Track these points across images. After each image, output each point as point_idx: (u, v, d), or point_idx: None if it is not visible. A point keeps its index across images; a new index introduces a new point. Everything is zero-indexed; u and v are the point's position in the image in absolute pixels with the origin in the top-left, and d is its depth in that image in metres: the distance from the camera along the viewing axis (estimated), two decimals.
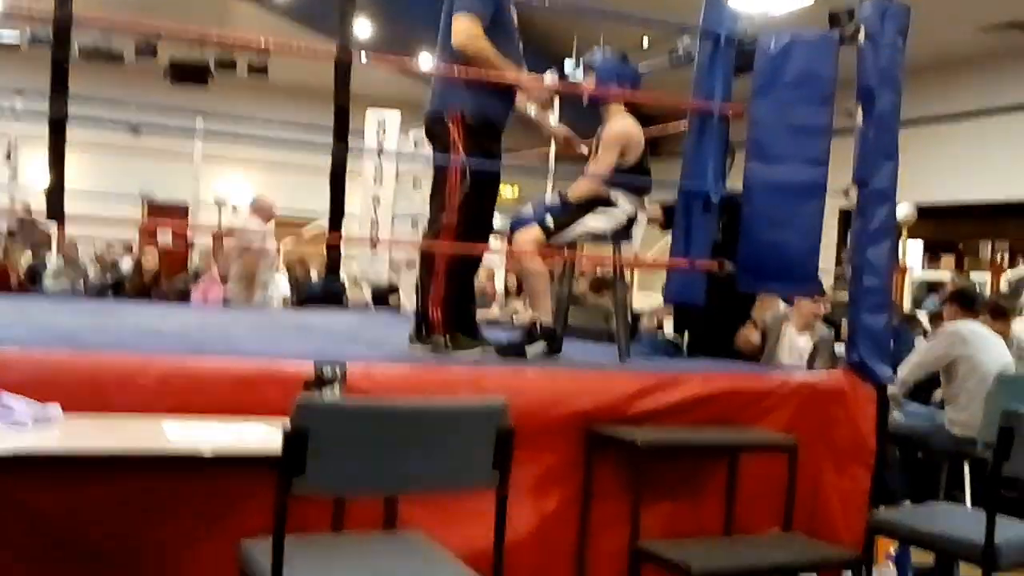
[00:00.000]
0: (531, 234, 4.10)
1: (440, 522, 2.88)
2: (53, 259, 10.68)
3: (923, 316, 8.34)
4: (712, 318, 4.80)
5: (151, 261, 8.51)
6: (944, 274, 12.35)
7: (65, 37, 3.08)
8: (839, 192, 4.20)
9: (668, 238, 4.68)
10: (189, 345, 3.67)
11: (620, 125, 4.23)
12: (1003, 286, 10.31)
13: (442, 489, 2.39)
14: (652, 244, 10.21)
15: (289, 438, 2.07)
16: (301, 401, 2.10)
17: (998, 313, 5.81)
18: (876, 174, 3.97)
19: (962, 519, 3.40)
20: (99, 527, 2.72)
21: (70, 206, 3.24)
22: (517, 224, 4.17)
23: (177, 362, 2.98)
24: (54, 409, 2.53)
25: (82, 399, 2.70)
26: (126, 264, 10.84)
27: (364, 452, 2.12)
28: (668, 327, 7.90)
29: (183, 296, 9.04)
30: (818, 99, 4.08)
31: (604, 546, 3.45)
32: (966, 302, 5.63)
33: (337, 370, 2.78)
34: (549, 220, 4.11)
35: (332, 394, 2.71)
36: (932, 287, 11.36)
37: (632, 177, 4.17)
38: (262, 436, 2.50)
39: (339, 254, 4.15)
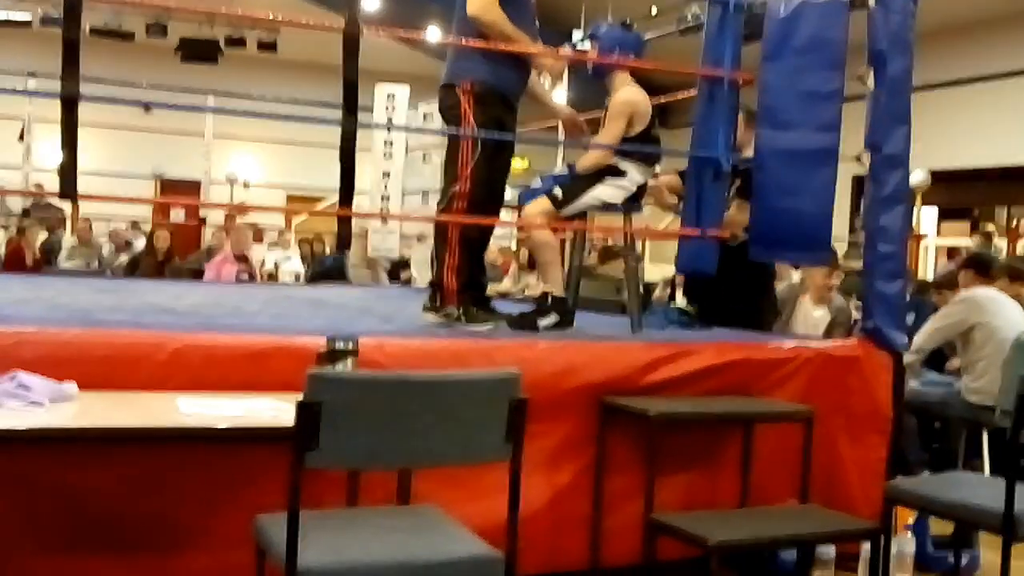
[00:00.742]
0: (540, 206, 4.10)
1: (455, 496, 2.89)
2: (67, 238, 10.73)
3: None
4: (728, 289, 4.79)
5: (164, 239, 8.53)
6: (962, 240, 12.28)
7: (75, 16, 3.07)
8: (852, 158, 4.16)
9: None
10: (202, 322, 3.68)
11: (627, 94, 4.21)
12: (1020, 250, 10.22)
13: (455, 462, 2.39)
14: (665, 214, 10.18)
15: (302, 411, 2.06)
16: (313, 373, 2.10)
17: (1015, 276, 5.75)
18: (889, 139, 3.94)
19: (981, 488, 3.38)
20: (117, 503, 2.75)
21: (83, 185, 3.24)
22: (526, 197, 4.18)
23: (190, 339, 2.99)
24: (70, 387, 2.56)
25: (98, 376, 2.73)
26: (140, 243, 10.87)
27: (377, 424, 2.12)
28: (680, 299, 7.91)
29: (197, 274, 9.06)
30: (828, 64, 4.02)
31: (619, 518, 3.45)
32: (982, 268, 5.58)
33: (350, 344, 2.78)
34: (558, 191, 4.11)
35: (345, 367, 2.70)
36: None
37: (641, 146, 4.15)
38: (276, 411, 2.51)
39: (350, 230, 4.14)
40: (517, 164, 17.22)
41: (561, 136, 4.56)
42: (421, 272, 7.31)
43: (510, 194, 4.30)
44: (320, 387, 2.07)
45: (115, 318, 3.60)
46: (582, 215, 4.28)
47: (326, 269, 9.23)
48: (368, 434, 2.11)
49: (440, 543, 2.32)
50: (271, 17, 3.71)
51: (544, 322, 4.04)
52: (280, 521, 2.13)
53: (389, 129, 7.43)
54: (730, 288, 4.64)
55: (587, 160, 4.18)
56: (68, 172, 3.10)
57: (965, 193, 13.86)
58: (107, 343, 2.89)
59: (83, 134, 3.23)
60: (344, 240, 4.32)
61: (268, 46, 15.29)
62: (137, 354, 2.87)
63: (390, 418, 2.12)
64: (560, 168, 4.35)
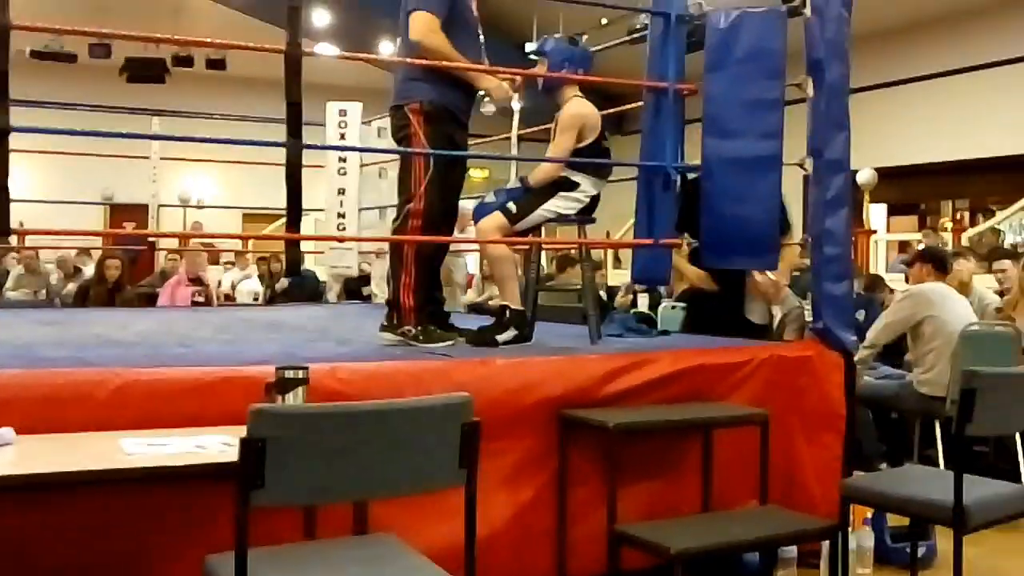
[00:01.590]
0: (495, 221, 4.12)
1: (414, 521, 2.88)
2: (14, 267, 10.51)
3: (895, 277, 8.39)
4: (715, 294, 4.84)
5: (114, 267, 8.38)
6: (909, 235, 12.44)
7: (3, 45, 2.99)
8: (797, 164, 4.21)
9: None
10: (149, 353, 3.62)
11: (575, 107, 4.24)
12: (964, 242, 10.37)
13: (408, 492, 2.36)
14: (625, 221, 10.23)
15: (245, 448, 2.03)
16: (255, 408, 2.06)
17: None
18: (829, 145, 4.00)
19: (932, 482, 3.43)
20: (62, 548, 2.66)
21: (30, 211, 3.16)
22: (480, 212, 4.18)
23: (133, 374, 2.90)
24: (7, 432, 2.47)
25: (37, 419, 2.65)
26: (90, 270, 10.68)
27: (324, 459, 2.08)
28: (642, 303, 7.96)
29: (151, 298, 8.93)
30: (769, 73, 4.08)
31: (583, 531, 3.46)
32: (940, 264, 5.67)
33: (299, 373, 2.74)
34: (512, 206, 4.13)
35: (295, 399, 2.67)
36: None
37: (592, 157, 4.18)
38: (225, 445, 2.47)
39: (300, 253, 4.11)
40: (477, 174, 17.25)
41: (514, 150, 4.57)
42: (381, 288, 7.27)
43: (472, 205, 4.31)
44: (263, 423, 2.03)
45: (57, 354, 3.52)
46: (537, 228, 4.29)
47: (297, 287, 9.16)
48: (316, 469, 2.07)
49: (397, 574, 2.30)
50: (213, 40, 3.65)
51: (503, 337, 4.05)
52: (230, 561, 2.09)
53: (341, 148, 7.38)
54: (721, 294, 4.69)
55: (539, 173, 4.21)
56: (1, 209, 2.98)
57: (912, 189, 14.08)
58: (46, 383, 2.78)
59: (28, 160, 3.17)
60: (293, 265, 4.27)
61: (216, 64, 15.17)
62: (78, 393, 2.78)
63: (338, 451, 2.08)
64: (513, 182, 4.36)
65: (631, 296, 8.46)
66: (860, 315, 6.22)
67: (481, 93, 4.13)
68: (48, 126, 3.34)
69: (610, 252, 12.46)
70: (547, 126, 4.46)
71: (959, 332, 5.17)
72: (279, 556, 2.34)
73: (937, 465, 5.17)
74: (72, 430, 2.67)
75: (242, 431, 2.09)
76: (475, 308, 7.52)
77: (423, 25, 3.93)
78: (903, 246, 11.28)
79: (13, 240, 9.90)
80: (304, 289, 9.19)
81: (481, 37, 4.23)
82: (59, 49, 14.19)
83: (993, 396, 3.12)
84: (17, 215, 3.09)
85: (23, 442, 2.48)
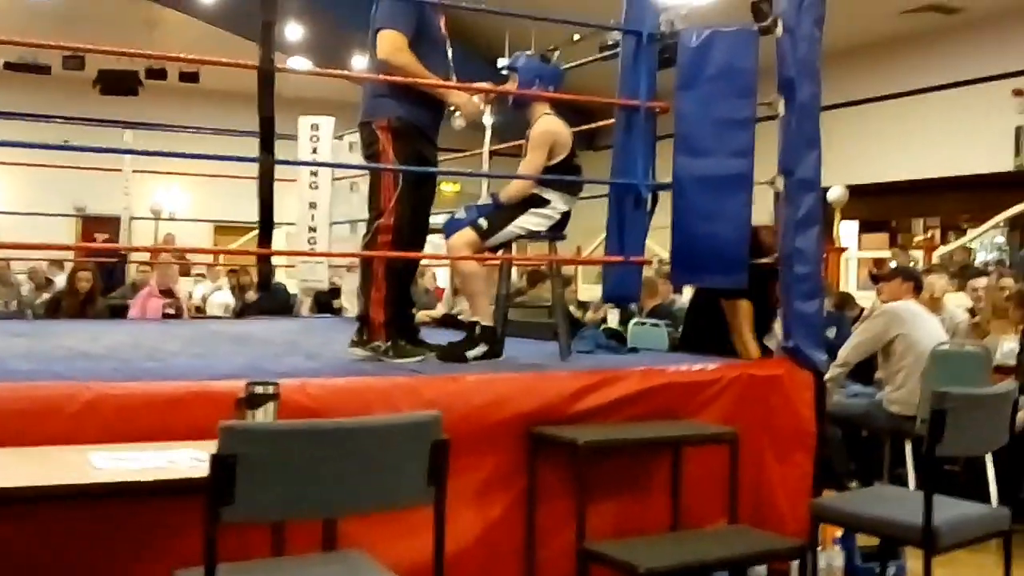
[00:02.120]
0: (465, 237, 4.12)
1: (383, 537, 2.87)
2: None
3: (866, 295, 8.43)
4: (708, 315, 4.83)
5: (85, 279, 8.31)
6: (879, 252, 12.55)
7: None
8: (767, 183, 4.24)
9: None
10: (118, 367, 3.60)
11: (546, 124, 4.26)
12: (935, 259, 10.48)
13: (377, 509, 2.36)
14: (596, 236, 10.26)
15: (215, 464, 2.02)
16: (225, 425, 2.06)
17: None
18: (800, 163, 4.02)
19: (902, 502, 3.44)
20: (28, 563, 2.65)
21: (1, 223, 3.13)
22: (451, 227, 4.18)
23: (103, 388, 2.90)
24: None
25: (6, 432, 2.63)
26: (61, 280, 10.59)
27: (294, 475, 2.08)
28: (612, 319, 7.96)
29: (122, 310, 8.86)
30: (740, 92, 4.10)
31: (552, 548, 3.45)
32: (918, 283, 5.73)
33: (270, 388, 2.72)
34: (483, 222, 4.13)
35: (265, 414, 2.65)
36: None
37: (563, 174, 4.20)
38: (194, 461, 2.45)
39: (271, 267, 4.10)
40: (449, 189, 17.21)
41: (485, 166, 4.58)
42: (351, 302, 7.25)
43: (443, 218, 4.32)
44: (233, 439, 2.03)
45: (26, 367, 3.49)
46: (507, 244, 4.29)
47: (267, 301, 9.11)
48: (285, 485, 2.07)
49: None
50: (186, 54, 3.65)
51: (473, 353, 4.05)
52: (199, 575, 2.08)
53: (312, 164, 7.37)
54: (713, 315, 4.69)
55: (511, 190, 4.22)
56: None
57: (883, 206, 14.20)
58: (14, 396, 2.78)
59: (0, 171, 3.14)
60: (265, 278, 4.26)
61: (190, 76, 15.11)
62: (47, 407, 2.77)
63: (308, 468, 2.08)
64: (484, 198, 4.36)
65: (603, 312, 8.48)
66: (831, 333, 6.27)
67: (451, 108, 4.15)
68: (21, 138, 3.32)
69: (580, 267, 12.49)
70: (519, 142, 4.48)
71: (930, 351, 5.21)
72: (247, 572, 2.34)
73: (907, 484, 5.20)
74: (41, 443, 2.65)
75: (212, 446, 2.08)
76: (445, 321, 7.49)
77: (389, 44, 3.96)
78: (879, 263, 11.37)
79: None
80: (274, 302, 9.14)
81: (450, 53, 4.26)
82: (33, 61, 14.10)
83: (964, 417, 3.15)
84: None
85: None
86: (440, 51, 4.19)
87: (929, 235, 12.82)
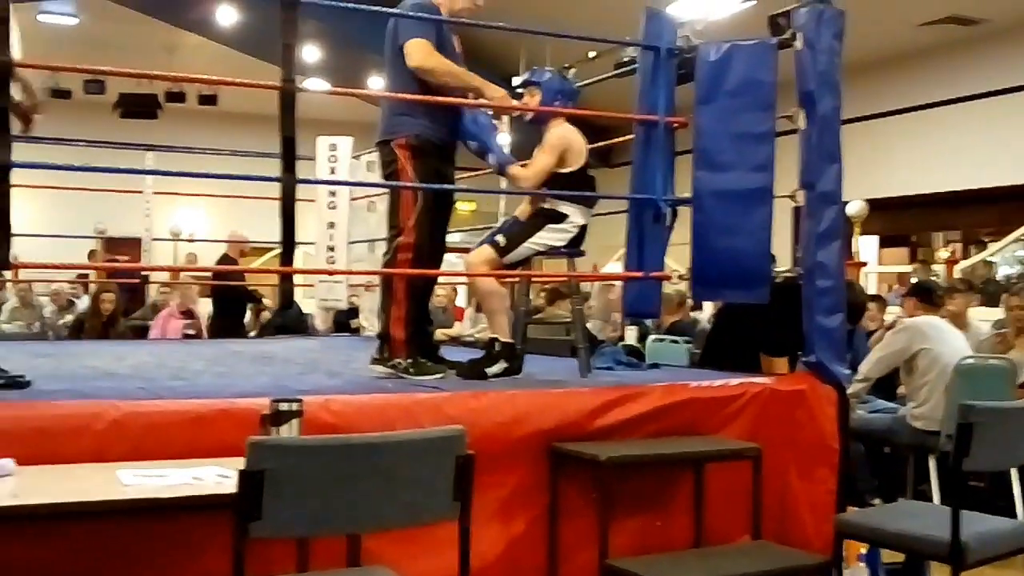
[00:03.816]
0: (484, 254, 4.13)
1: (407, 554, 2.88)
2: (8, 300, 10.51)
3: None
4: (731, 332, 4.81)
5: (109, 301, 8.40)
6: (899, 268, 12.47)
7: (4, 85, 3.04)
8: (788, 196, 4.23)
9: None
10: (143, 386, 3.62)
11: (562, 130, 4.27)
12: (956, 274, 10.41)
13: (402, 524, 2.37)
14: (613, 253, 10.26)
15: (244, 480, 2.04)
16: (253, 441, 2.08)
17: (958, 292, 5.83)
18: (822, 177, 4.00)
19: (928, 517, 3.41)
20: None
21: (24, 245, 3.17)
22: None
23: (130, 407, 2.92)
24: (7, 463, 2.50)
25: (35, 450, 2.66)
26: (83, 302, 10.67)
27: (321, 491, 2.09)
28: (630, 336, 7.95)
29: (143, 331, 8.93)
30: (760, 105, 4.10)
31: (574, 565, 3.44)
32: (926, 296, 5.68)
33: (294, 405, 2.74)
34: (501, 238, 4.14)
35: (289, 431, 2.67)
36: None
37: (578, 185, 4.20)
38: (220, 478, 2.47)
39: (292, 286, 4.14)
40: (464, 208, 17.22)
41: (502, 184, 4.59)
42: (371, 321, 7.27)
43: (459, 237, 4.34)
44: (261, 455, 2.05)
45: (53, 386, 3.52)
46: (526, 261, 4.30)
47: (286, 320, 9.15)
48: (312, 501, 2.08)
49: None
50: (206, 76, 3.70)
51: (492, 370, 4.05)
52: None
53: (333, 183, 7.41)
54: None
55: (524, 203, 4.20)
56: (1, 242, 3.03)
57: (903, 221, 14.13)
58: (43, 415, 2.82)
59: (22, 194, 3.18)
60: (286, 297, 4.28)
61: (208, 99, 15.25)
62: (75, 425, 2.80)
63: (334, 483, 2.09)
64: (504, 219, 4.36)
65: (619, 331, 8.47)
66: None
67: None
68: (44, 162, 3.37)
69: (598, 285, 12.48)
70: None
71: (953, 366, 5.17)
72: None
73: (931, 500, 5.15)
74: (69, 461, 2.68)
75: (237, 463, 2.10)
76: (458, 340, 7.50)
77: (419, 50, 3.97)
78: (902, 279, 11.29)
79: (8, 273, 9.89)
80: (289, 321, 9.17)
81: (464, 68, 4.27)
82: (54, 86, 14.28)
83: (990, 430, 3.11)
84: (12, 248, 3.11)
85: (21, 473, 2.50)
86: (456, 61, 4.19)
87: (951, 250, 12.73)
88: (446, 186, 4.19)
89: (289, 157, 3.46)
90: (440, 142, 4.12)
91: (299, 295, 9.62)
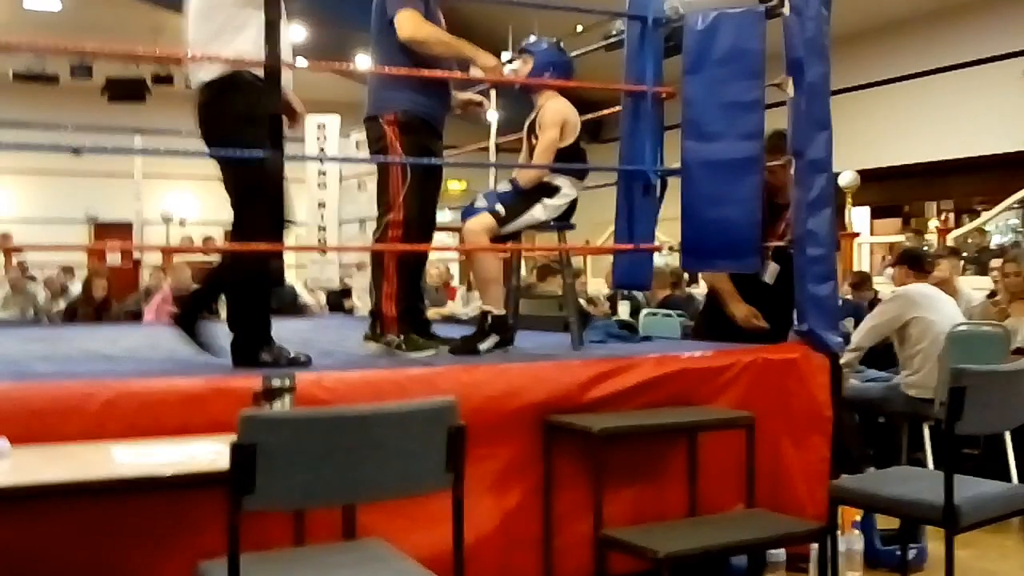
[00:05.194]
0: (483, 222, 4.12)
1: (403, 527, 2.88)
2: (1, 288, 10.50)
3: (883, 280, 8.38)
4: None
5: (101, 287, 8.39)
6: (892, 238, 12.47)
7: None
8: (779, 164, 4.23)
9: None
10: (137, 367, 3.63)
11: (558, 105, 4.27)
12: (950, 243, 10.43)
13: (395, 495, 2.36)
14: (604, 229, 10.25)
15: (236, 454, 2.04)
16: (245, 415, 2.08)
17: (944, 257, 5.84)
18: (811, 144, 3.99)
19: (922, 482, 3.42)
20: (55, 557, 2.68)
21: (14, 231, 3.17)
22: (468, 213, 4.19)
23: (123, 386, 2.93)
24: (2, 442, 2.50)
25: (30, 430, 2.66)
26: (76, 287, 10.67)
27: (313, 463, 2.10)
28: (623, 311, 7.97)
29: (136, 315, 8.92)
30: (748, 74, 4.08)
31: (569, 536, 3.46)
32: (915, 264, 5.69)
33: (286, 381, 2.75)
34: (500, 208, 4.13)
35: (282, 407, 2.68)
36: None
37: (572, 158, 4.21)
38: (213, 454, 2.48)
39: (282, 265, 4.12)
40: (455, 186, 17.15)
41: (492, 157, 4.58)
42: (364, 300, 7.27)
43: (451, 216, 4.32)
44: (253, 429, 2.05)
45: (47, 368, 3.53)
46: (517, 235, 4.30)
47: (279, 301, 9.13)
48: (305, 473, 2.09)
49: None
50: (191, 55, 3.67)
51: (485, 345, 4.06)
52: (222, 566, 2.10)
53: (321, 160, 7.39)
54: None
55: (529, 172, 4.22)
56: None
57: (895, 191, 14.13)
58: (38, 395, 2.82)
59: (13, 179, 3.17)
60: (277, 275, 4.25)
61: None
62: (69, 405, 2.80)
63: (327, 455, 2.10)
64: (503, 185, 4.34)
65: (610, 304, 8.48)
66: (849, 323, 6.24)
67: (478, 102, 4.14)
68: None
69: (590, 260, 12.49)
70: (519, 135, 4.49)
71: (947, 333, 5.18)
72: (270, 561, 2.36)
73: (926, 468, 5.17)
74: (64, 441, 2.68)
75: (232, 439, 2.10)
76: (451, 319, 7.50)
77: (410, 21, 3.95)
78: (894, 249, 11.30)
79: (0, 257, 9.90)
80: (282, 302, 9.16)
81: None
82: (41, 71, 14.19)
83: (982, 394, 3.12)
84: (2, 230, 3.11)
85: (16, 453, 2.50)
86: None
87: (944, 219, 12.73)
88: (434, 160, 4.17)
89: (275, 134, 3.45)
90: (428, 117, 4.11)
91: (291, 276, 9.62)
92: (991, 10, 12.19)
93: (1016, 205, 10.88)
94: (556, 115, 4.22)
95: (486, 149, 7.61)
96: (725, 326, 4.72)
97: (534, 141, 4.28)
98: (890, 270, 7.27)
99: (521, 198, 4.19)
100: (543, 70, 4.29)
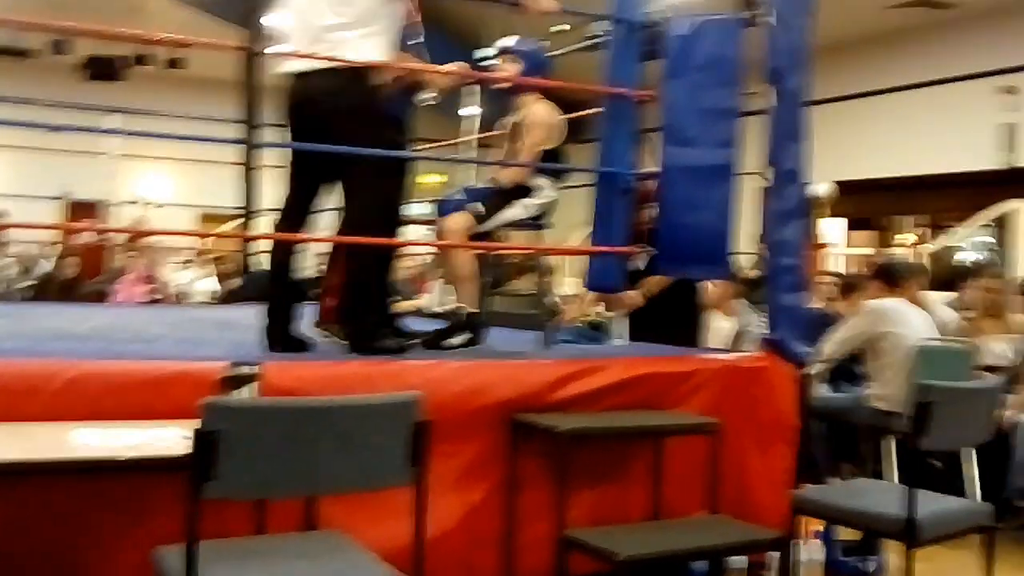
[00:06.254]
0: (462, 221, 4.11)
1: (364, 519, 2.86)
2: None
3: None
4: (662, 305, 4.83)
5: (73, 265, 8.32)
6: (865, 250, 12.53)
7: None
8: (755, 174, 4.23)
9: None
10: (102, 347, 3.59)
11: (544, 109, 4.30)
12: (924, 260, 10.50)
13: (357, 488, 2.36)
14: (578, 232, 10.24)
15: (198, 440, 2.03)
16: (208, 402, 2.06)
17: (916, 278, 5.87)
18: (787, 155, 4.00)
19: (884, 495, 3.45)
20: (10, 539, 2.65)
21: None
22: (446, 208, 4.17)
23: (87, 366, 2.89)
24: None
25: None
26: (47, 264, 10.57)
27: (276, 453, 2.09)
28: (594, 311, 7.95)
29: (105, 296, 8.85)
30: (725, 81, 4.10)
31: (531, 535, 3.45)
32: (889, 279, 5.72)
33: (253, 368, 2.73)
34: (480, 207, 4.13)
35: (248, 394, 2.66)
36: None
37: (553, 161, 4.23)
38: (175, 440, 2.45)
39: (251, 252, 4.10)
40: (434, 179, 17.09)
41: (474, 155, 4.58)
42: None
43: (428, 208, 4.32)
44: (216, 416, 2.04)
45: (9, 345, 3.48)
46: (490, 235, 4.29)
47: (248, 287, 9.08)
48: (267, 462, 2.08)
49: (344, 570, 2.30)
50: (171, 38, 3.65)
51: (455, 340, 4.04)
52: (180, 552, 2.09)
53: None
54: (664, 304, 4.71)
55: (512, 171, 4.23)
56: None
57: (870, 203, 14.20)
58: None
59: None
60: (246, 262, 4.24)
61: (176, 63, 15.03)
62: (30, 384, 2.76)
63: (289, 446, 2.09)
64: (484, 183, 4.35)
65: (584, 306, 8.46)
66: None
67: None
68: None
69: (567, 260, 12.47)
70: (500, 133, 4.48)
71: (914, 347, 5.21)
72: (228, 549, 2.34)
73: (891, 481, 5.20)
74: (24, 420, 2.65)
75: (194, 425, 2.08)
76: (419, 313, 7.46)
77: None
78: (868, 262, 11.34)
79: None
80: (255, 288, 9.11)
81: (421, 39, 4.25)
82: (17, 46, 14.03)
83: (948, 410, 3.15)
84: None
85: None
86: (413, 38, 4.19)
87: (920, 233, 12.79)
88: (402, 153, 4.14)
89: (252, 120, 3.43)
90: (394, 112, 4.09)
91: (266, 264, 9.55)
92: (971, 26, 12.28)
93: (990, 223, 10.96)
94: (545, 119, 4.26)
95: (463, 144, 7.60)
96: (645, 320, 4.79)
97: (518, 143, 4.28)
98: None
99: (500, 197, 4.18)
100: (533, 74, 4.30)
